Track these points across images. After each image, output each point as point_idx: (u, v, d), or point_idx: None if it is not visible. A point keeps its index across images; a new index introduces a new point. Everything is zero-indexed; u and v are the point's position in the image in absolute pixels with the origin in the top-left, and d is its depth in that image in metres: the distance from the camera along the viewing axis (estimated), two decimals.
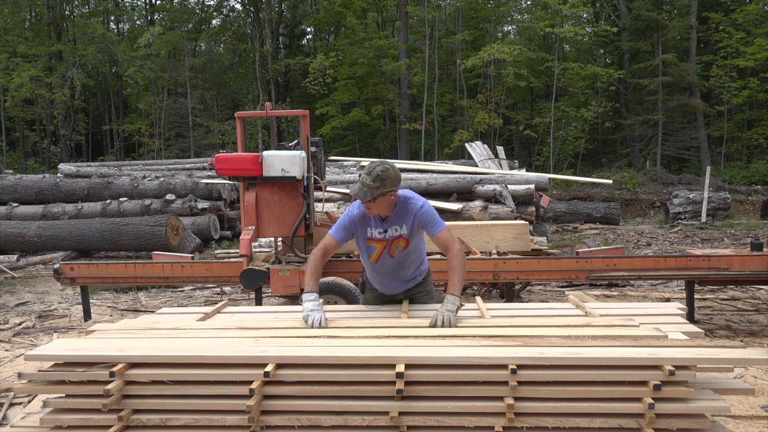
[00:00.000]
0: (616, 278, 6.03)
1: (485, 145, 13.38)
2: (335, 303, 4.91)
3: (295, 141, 5.68)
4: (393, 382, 2.43)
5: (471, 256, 5.68)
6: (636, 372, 2.41)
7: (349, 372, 2.48)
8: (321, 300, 3.36)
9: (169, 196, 11.88)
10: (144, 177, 13.19)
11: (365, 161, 11.06)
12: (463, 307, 3.39)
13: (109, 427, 2.50)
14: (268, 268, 5.38)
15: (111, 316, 6.57)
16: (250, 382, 2.45)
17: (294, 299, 5.48)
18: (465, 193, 10.25)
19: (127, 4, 31.05)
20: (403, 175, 10.34)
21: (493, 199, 9.98)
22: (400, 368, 2.43)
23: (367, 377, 2.47)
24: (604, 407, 2.41)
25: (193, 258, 6.07)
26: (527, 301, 6.59)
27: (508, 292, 5.74)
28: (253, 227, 5.40)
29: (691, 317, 5.20)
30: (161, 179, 12.82)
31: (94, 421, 2.53)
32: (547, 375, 2.43)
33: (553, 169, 22.00)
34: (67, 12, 27.83)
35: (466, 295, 6.45)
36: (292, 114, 7.06)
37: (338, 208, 9.17)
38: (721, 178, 19.60)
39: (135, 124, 25.44)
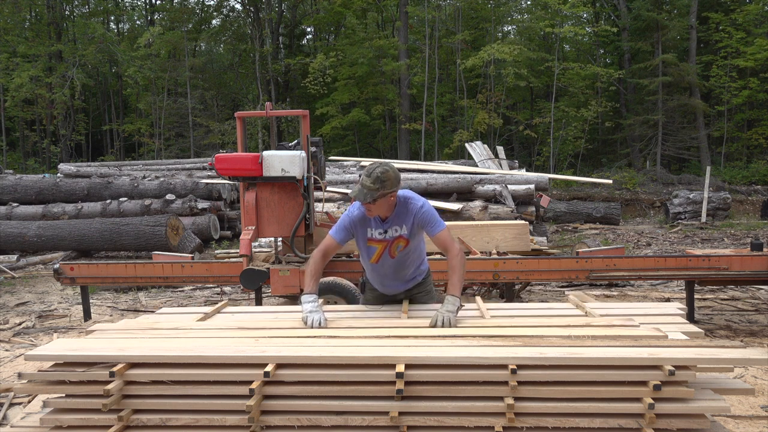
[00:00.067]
0: (616, 278, 6.03)
1: (485, 145, 13.38)
2: (335, 303, 4.91)
3: (295, 141, 5.68)
4: (393, 382, 2.43)
5: (471, 256, 5.68)
6: (636, 372, 2.41)
7: (349, 372, 2.48)
8: (321, 301, 3.36)
9: (169, 196, 11.88)
10: (144, 177, 13.19)
11: (365, 161, 11.06)
12: (463, 307, 3.39)
13: (109, 427, 2.50)
14: (268, 268, 5.38)
15: (111, 316, 6.57)
16: (250, 382, 2.45)
17: (294, 299, 5.48)
18: (465, 193, 10.25)
19: (127, 4, 31.06)
20: (403, 175, 10.36)
21: (493, 199, 9.98)
22: (400, 368, 2.43)
23: (367, 377, 2.47)
24: (604, 407, 2.41)
25: (193, 258, 6.07)
26: (527, 301, 6.59)
27: (508, 292, 5.74)
28: (253, 227, 5.40)
29: (691, 317, 5.20)
30: (161, 179, 12.82)
31: (94, 421, 2.53)
32: (547, 375, 2.43)
33: (553, 169, 22.00)
34: (67, 12, 27.83)
35: (466, 295, 6.45)
36: (292, 114, 7.06)
37: (338, 208, 9.17)
38: (721, 178, 19.60)
39: (135, 124, 25.44)
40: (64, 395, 2.59)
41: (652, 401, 2.34)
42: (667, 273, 5.41)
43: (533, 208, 10.33)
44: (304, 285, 3.31)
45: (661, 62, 21.45)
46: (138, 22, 31.01)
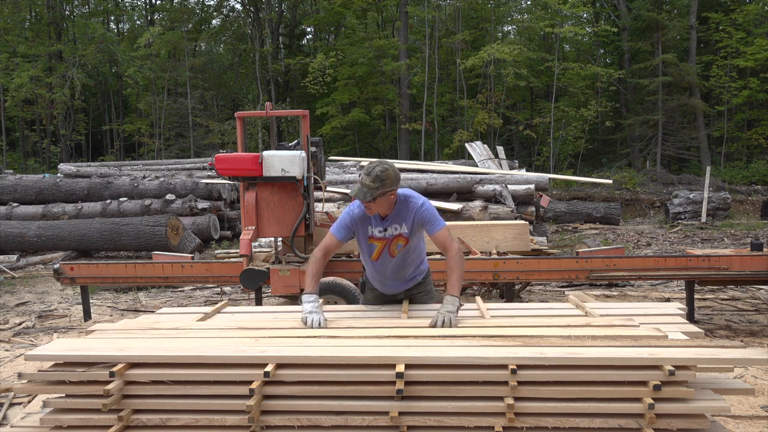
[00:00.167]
0: (616, 278, 6.03)
1: (485, 145, 13.38)
2: (335, 303, 4.91)
3: (295, 141, 5.68)
4: (393, 382, 2.43)
5: (471, 256, 5.68)
6: (636, 372, 2.41)
7: (349, 372, 2.48)
8: (321, 301, 3.36)
9: (169, 196, 11.88)
10: (144, 177, 13.19)
11: (365, 161, 11.05)
12: (463, 308, 3.39)
13: (109, 427, 2.50)
14: (268, 268, 5.38)
15: (111, 316, 6.57)
16: (250, 382, 2.45)
17: (294, 299, 5.48)
18: (465, 193, 10.25)
19: (127, 4, 31.06)
20: (403, 175, 10.36)
21: (493, 199, 9.98)
22: (400, 368, 2.43)
23: (367, 377, 2.47)
24: (604, 407, 2.41)
25: (193, 258, 6.07)
26: (527, 301, 6.59)
27: (508, 292, 5.74)
28: (253, 227, 5.40)
29: (691, 317, 5.20)
30: (161, 179, 12.82)
31: (94, 421, 2.53)
32: (547, 375, 2.43)
33: (553, 169, 22.00)
34: (67, 12, 27.82)
35: (466, 295, 6.45)
36: (292, 114, 7.06)
37: (338, 208, 9.17)
38: (721, 178, 19.60)
39: (135, 124, 25.44)
40: (64, 395, 2.59)
41: (652, 401, 2.34)
42: (667, 273, 5.41)
43: (533, 208, 10.33)
44: (305, 285, 3.30)
45: (661, 62, 21.45)
46: (138, 22, 31.01)
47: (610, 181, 12.28)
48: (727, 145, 22.92)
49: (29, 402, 3.87)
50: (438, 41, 23.26)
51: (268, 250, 6.55)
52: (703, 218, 14.35)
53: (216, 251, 10.11)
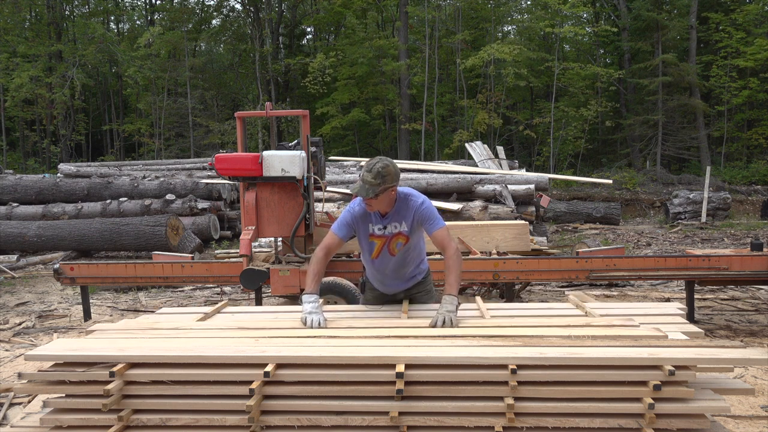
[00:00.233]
0: (616, 278, 6.03)
1: (485, 145, 13.38)
2: (335, 303, 4.91)
3: (295, 141, 5.68)
4: (393, 382, 2.43)
5: (471, 256, 5.68)
6: (636, 372, 2.41)
7: (349, 372, 2.48)
8: (321, 301, 3.36)
9: (169, 196, 11.88)
10: (144, 177, 13.19)
11: (365, 161, 11.03)
12: (463, 308, 3.40)
13: (109, 427, 2.50)
14: (268, 268, 5.38)
15: (111, 316, 6.57)
16: (250, 382, 2.45)
17: (294, 299, 5.48)
18: (465, 193, 10.25)
19: (127, 4, 31.06)
20: (403, 175, 10.36)
21: (493, 199, 9.98)
22: (400, 368, 2.43)
23: (367, 377, 2.47)
24: (604, 407, 2.41)
25: (193, 258, 6.07)
26: (527, 301, 6.59)
27: (508, 292, 5.74)
28: (253, 227, 5.40)
29: (691, 317, 5.20)
30: (161, 179, 12.82)
31: (94, 421, 2.53)
32: (547, 375, 2.43)
33: (553, 169, 22.00)
34: (67, 12, 27.82)
35: (466, 295, 6.45)
36: (292, 114, 7.06)
37: (338, 208, 9.17)
38: (721, 178, 19.60)
39: (135, 124, 25.44)
40: (64, 395, 2.59)
41: (652, 401, 2.34)
42: (667, 273, 5.41)
43: (533, 208, 10.33)
44: (306, 284, 3.30)
45: (661, 62, 21.45)
46: (138, 22, 31.02)
47: (610, 181, 12.28)
48: (727, 145, 22.92)
49: (29, 402, 3.87)
50: (438, 41, 23.26)
51: (268, 250, 6.55)
52: (703, 218, 14.35)
53: (216, 251, 10.11)
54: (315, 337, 2.85)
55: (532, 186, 10.35)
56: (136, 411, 2.55)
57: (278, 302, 6.14)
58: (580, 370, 2.43)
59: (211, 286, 7.88)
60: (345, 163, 13.41)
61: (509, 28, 28.42)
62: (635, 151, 23.15)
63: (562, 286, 7.49)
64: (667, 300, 6.52)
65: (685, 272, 5.29)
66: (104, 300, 7.42)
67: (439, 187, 10.30)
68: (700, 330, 2.93)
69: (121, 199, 11.92)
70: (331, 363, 2.50)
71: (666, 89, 22.18)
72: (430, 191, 10.10)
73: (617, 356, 2.43)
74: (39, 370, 2.60)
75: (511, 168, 12.77)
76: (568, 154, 23.74)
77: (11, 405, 3.87)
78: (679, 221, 14.53)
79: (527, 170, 14.99)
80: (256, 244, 7.34)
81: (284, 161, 5.28)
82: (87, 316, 6.00)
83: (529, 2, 27.15)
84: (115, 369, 2.49)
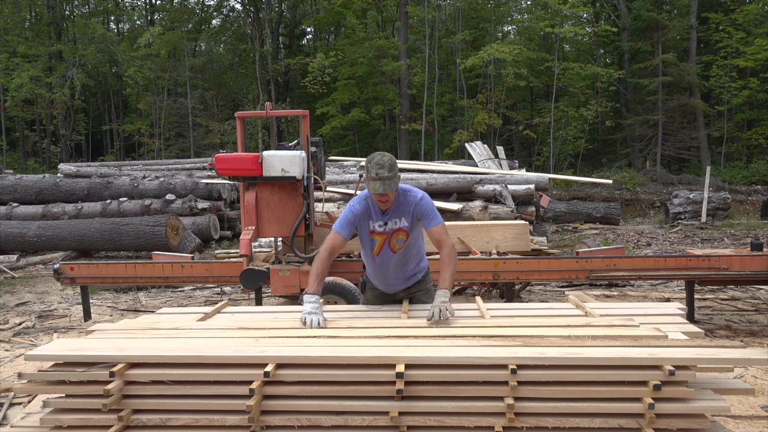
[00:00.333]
0: (616, 278, 6.03)
1: (485, 145, 13.38)
2: (335, 303, 4.91)
3: (295, 141, 5.68)
4: (393, 382, 2.43)
5: (471, 256, 5.68)
6: (636, 372, 2.41)
7: (349, 372, 2.48)
8: (321, 301, 3.36)
9: (169, 196, 11.88)
10: (144, 177, 13.19)
11: (364, 161, 11.04)
12: (463, 308, 3.41)
13: (109, 427, 2.50)
14: (268, 268, 5.38)
15: (111, 316, 6.57)
16: (250, 382, 2.45)
17: (294, 299, 5.48)
18: (465, 193, 10.25)
19: (127, 4, 31.06)
20: (403, 175, 10.37)
21: (493, 199, 9.98)
22: (400, 368, 2.43)
23: (367, 377, 2.47)
24: (604, 407, 2.41)
25: (193, 258, 6.07)
26: (527, 301, 6.59)
27: (508, 292, 5.74)
28: (253, 227, 5.39)
29: (691, 317, 5.20)
30: (161, 179, 12.82)
31: (94, 421, 2.53)
32: (547, 375, 2.43)
33: (553, 169, 22.00)
34: (67, 12, 27.82)
35: (466, 295, 6.45)
36: (292, 114, 7.06)
37: (338, 208, 9.16)
38: (721, 178, 19.60)
39: (135, 124, 25.44)
40: (64, 395, 2.59)
41: (652, 401, 2.34)
42: (667, 273, 5.41)
43: (533, 208, 10.33)
44: (308, 284, 3.31)
45: (661, 62, 21.45)
46: (138, 22, 31.01)
47: (610, 181, 12.28)
48: (727, 145, 22.92)
49: (29, 402, 3.87)
50: (438, 41, 23.25)
51: (268, 250, 6.55)
52: (703, 218, 14.35)
53: (216, 251, 10.11)
54: (315, 337, 2.85)
55: (532, 186, 10.35)
56: (136, 411, 2.55)
57: (278, 302, 6.14)
58: (580, 370, 2.43)
59: (211, 286, 7.88)
60: (345, 163, 13.40)
61: (509, 28, 28.43)
62: (635, 151, 23.15)
63: (562, 286, 7.49)
64: (667, 300, 6.52)
65: (685, 272, 5.29)
66: (104, 300, 7.42)
67: (439, 187, 10.30)
68: (700, 330, 2.93)
69: (121, 199, 11.92)
70: (331, 363, 2.50)
71: (666, 89, 22.18)
72: (430, 191, 10.07)
73: (617, 356, 2.43)
74: (39, 370, 2.61)
75: (511, 168, 12.77)
76: (568, 154, 23.74)
77: (11, 405, 3.87)
78: (679, 221, 14.53)
79: (527, 170, 14.98)
80: (256, 244, 7.34)
81: (284, 161, 5.28)
82: (87, 316, 5.99)
83: (529, 2, 27.17)
84: (115, 369, 2.49)
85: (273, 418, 2.49)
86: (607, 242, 11.35)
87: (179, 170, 14.66)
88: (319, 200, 6.19)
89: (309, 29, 30.25)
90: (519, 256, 5.62)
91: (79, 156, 26.53)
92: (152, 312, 4.41)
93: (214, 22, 29.17)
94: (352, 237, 3.45)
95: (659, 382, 2.35)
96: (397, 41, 23.21)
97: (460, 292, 6.51)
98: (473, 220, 8.64)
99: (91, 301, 6.31)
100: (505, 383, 2.42)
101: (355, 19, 26.39)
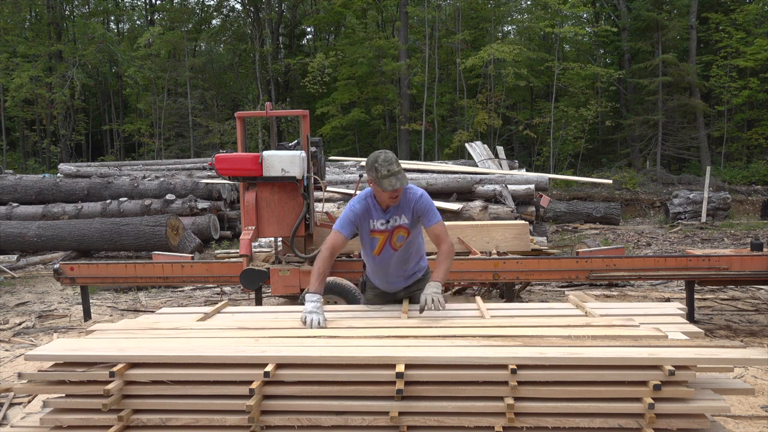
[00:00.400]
0: (616, 278, 6.02)
1: (485, 145, 13.38)
2: (335, 303, 4.91)
3: (295, 141, 5.68)
4: (393, 382, 2.43)
5: (471, 256, 5.68)
6: (636, 372, 2.41)
7: (349, 372, 2.48)
8: (322, 300, 3.36)
9: (169, 196, 11.88)
10: (144, 177, 13.19)
11: (365, 161, 11.04)
12: (463, 308, 3.41)
13: (109, 427, 2.50)
14: (268, 268, 5.38)
15: (111, 316, 6.57)
16: (250, 382, 2.45)
17: (294, 299, 5.48)
18: (465, 193, 10.25)
19: (127, 4, 31.06)
20: None
21: (493, 199, 9.98)
22: (400, 368, 2.43)
23: (367, 377, 2.47)
24: (604, 407, 2.41)
25: (193, 258, 6.07)
26: (527, 301, 6.59)
27: (508, 292, 5.74)
28: (253, 227, 5.40)
29: (691, 317, 5.20)
30: (161, 179, 12.82)
31: (94, 421, 2.53)
32: (547, 375, 2.43)
33: (553, 169, 22.00)
34: (67, 12, 27.82)
35: (466, 295, 6.45)
36: (292, 114, 7.06)
37: (338, 208, 9.16)
38: (721, 178, 19.60)
39: (135, 124, 25.44)
40: (64, 395, 2.59)
41: (652, 401, 2.34)
42: (667, 273, 5.41)
43: (533, 208, 10.33)
44: (309, 283, 3.32)
45: (661, 62, 21.44)
46: (138, 22, 31.01)
47: (610, 181, 12.28)
48: (727, 145, 22.91)
49: (29, 402, 3.87)
50: (438, 41, 23.25)
51: (268, 250, 6.55)
52: (703, 218, 14.35)
53: (216, 251, 10.11)
54: (315, 337, 2.85)
55: (532, 186, 10.35)
56: (136, 411, 2.55)
57: (278, 302, 6.14)
58: (580, 370, 2.43)
59: (211, 286, 7.88)
60: (345, 163, 13.41)
61: (509, 28, 28.42)
62: (635, 151, 23.15)
63: (562, 286, 7.49)
64: (667, 300, 6.52)
65: (685, 272, 5.29)
66: (104, 300, 7.42)
67: (439, 187, 10.30)
68: (700, 330, 2.93)
69: (121, 199, 11.92)
70: (331, 363, 2.50)
71: (666, 89, 22.17)
72: (430, 191, 9.98)
73: (617, 356, 2.43)
74: (39, 370, 2.61)
75: (511, 168, 12.77)
76: (568, 154, 23.74)
77: (11, 405, 3.87)
78: (679, 221, 14.53)
79: (527, 170, 14.98)
80: (256, 244, 7.34)
81: (284, 161, 5.28)
82: (87, 316, 6.00)
83: (529, 2, 27.17)
84: (115, 369, 2.49)
85: (273, 418, 2.49)
86: (607, 242, 11.35)
87: (179, 170, 14.66)
88: (319, 200, 6.19)
89: (309, 29, 30.26)
90: (519, 256, 5.62)
91: (79, 156, 26.53)
92: (152, 312, 4.41)
93: (214, 22, 29.18)
94: (353, 236, 3.46)
95: (659, 382, 2.35)
96: (397, 41, 23.20)
97: (460, 292, 6.51)
98: (473, 220, 8.64)
99: (91, 301, 6.31)
100: (505, 383, 2.42)
101: (355, 19, 26.39)
